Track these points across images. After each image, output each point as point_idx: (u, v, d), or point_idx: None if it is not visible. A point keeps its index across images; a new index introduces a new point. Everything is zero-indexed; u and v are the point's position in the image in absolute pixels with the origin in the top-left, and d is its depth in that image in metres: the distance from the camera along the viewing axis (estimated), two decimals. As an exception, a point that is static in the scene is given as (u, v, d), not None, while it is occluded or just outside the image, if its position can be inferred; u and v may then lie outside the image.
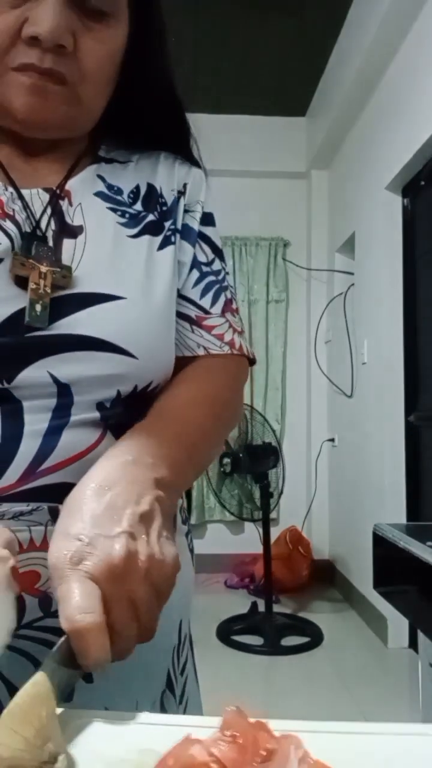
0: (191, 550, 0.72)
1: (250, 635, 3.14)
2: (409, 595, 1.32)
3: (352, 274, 3.93)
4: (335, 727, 0.45)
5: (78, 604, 0.44)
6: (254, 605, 3.48)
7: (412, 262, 3.17)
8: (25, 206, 0.63)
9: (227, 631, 3.17)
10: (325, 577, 4.20)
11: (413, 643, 2.95)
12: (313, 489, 4.32)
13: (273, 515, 3.83)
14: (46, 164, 0.68)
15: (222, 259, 0.75)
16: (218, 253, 0.74)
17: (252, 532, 3.88)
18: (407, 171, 3.01)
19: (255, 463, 3.35)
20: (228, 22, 3.42)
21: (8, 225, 0.61)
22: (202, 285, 0.71)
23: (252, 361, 0.75)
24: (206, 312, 0.70)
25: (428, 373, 2.99)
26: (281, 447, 3.52)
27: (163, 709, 0.64)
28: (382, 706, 2.48)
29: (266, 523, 3.45)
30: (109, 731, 0.45)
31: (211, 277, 0.72)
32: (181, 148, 0.76)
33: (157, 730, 0.45)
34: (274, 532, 3.84)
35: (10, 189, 0.64)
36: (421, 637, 1.45)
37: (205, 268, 0.72)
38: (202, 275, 0.71)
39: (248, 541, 3.91)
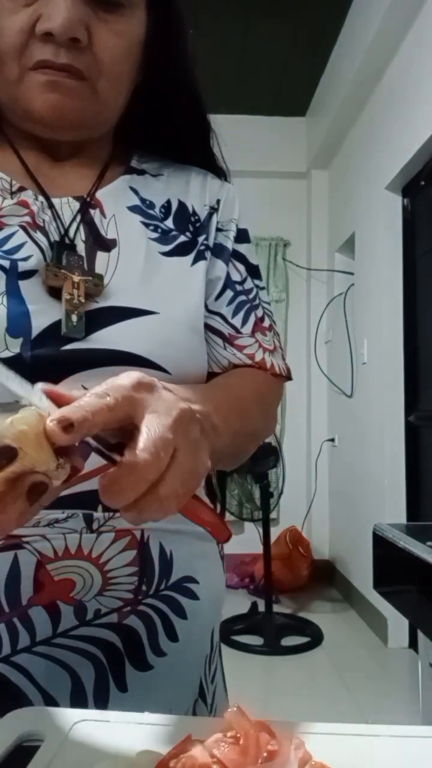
0: (222, 557, 0.71)
1: (250, 635, 3.14)
2: (409, 595, 1.32)
3: (352, 274, 3.93)
4: (336, 729, 0.45)
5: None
6: (254, 605, 3.48)
7: (412, 262, 3.17)
8: (55, 216, 0.63)
9: (227, 631, 3.16)
10: (325, 577, 4.20)
11: (413, 643, 2.95)
12: (313, 489, 4.32)
13: (273, 515, 3.84)
14: (73, 169, 0.67)
15: (255, 275, 0.75)
16: (251, 270, 0.74)
17: (252, 532, 3.87)
18: (407, 171, 3.01)
19: (255, 463, 3.34)
20: (228, 22, 3.42)
21: (39, 236, 0.61)
22: (234, 304, 0.71)
23: (287, 377, 0.75)
24: (238, 331, 0.70)
25: (428, 373, 2.99)
26: (281, 447, 3.52)
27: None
28: (382, 706, 2.48)
29: (266, 523, 3.45)
30: (110, 731, 0.45)
31: (243, 297, 0.72)
32: (204, 149, 0.75)
33: (157, 730, 0.45)
34: (274, 532, 3.84)
35: (41, 198, 0.64)
36: (421, 637, 1.45)
37: (238, 287, 0.72)
38: (236, 294, 0.71)
39: (248, 541, 3.90)
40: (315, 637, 3.16)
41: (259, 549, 3.56)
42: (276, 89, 4.12)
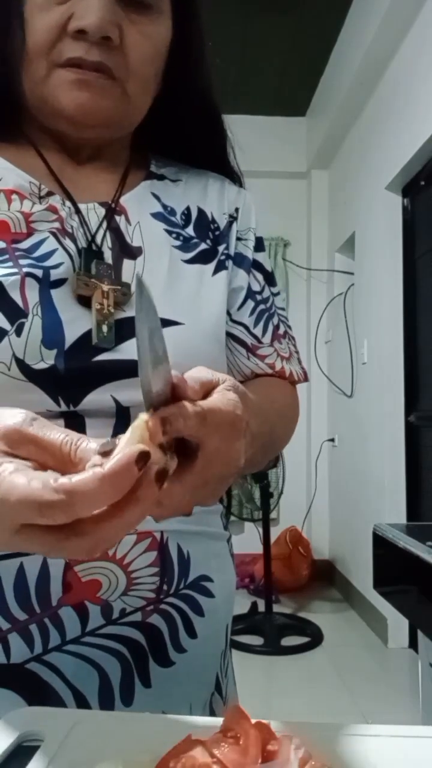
0: (232, 555, 0.72)
1: (250, 635, 3.14)
2: (409, 595, 1.32)
3: (352, 274, 3.93)
4: (336, 729, 0.45)
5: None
6: (254, 605, 3.48)
7: (412, 262, 3.17)
8: (83, 222, 0.64)
9: (227, 631, 3.17)
10: (325, 577, 4.20)
11: (413, 643, 2.95)
12: (313, 489, 4.32)
13: (273, 515, 3.83)
14: (94, 173, 0.68)
15: (271, 283, 0.76)
16: (268, 278, 0.76)
17: (252, 532, 3.87)
18: (407, 171, 3.01)
19: (255, 463, 3.34)
20: (228, 22, 3.42)
21: (68, 243, 0.62)
22: (255, 314, 0.73)
23: (303, 379, 0.78)
24: (259, 341, 0.72)
25: (428, 373, 2.99)
26: (281, 447, 3.51)
27: (212, 711, 0.65)
28: (382, 706, 2.48)
29: (266, 523, 3.45)
30: (110, 731, 0.45)
31: (262, 306, 0.74)
32: (219, 156, 0.77)
33: (157, 730, 0.45)
34: (274, 532, 3.84)
35: (68, 204, 0.64)
36: (421, 637, 1.45)
37: (258, 297, 0.73)
38: (256, 304, 0.73)
39: (248, 541, 3.90)
40: (315, 637, 3.16)
41: (259, 549, 3.56)
42: (276, 89, 4.12)
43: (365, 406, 3.54)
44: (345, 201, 4.02)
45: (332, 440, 4.26)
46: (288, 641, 3.12)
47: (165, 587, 0.60)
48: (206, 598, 0.64)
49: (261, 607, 3.40)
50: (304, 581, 3.98)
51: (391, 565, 1.39)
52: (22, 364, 0.55)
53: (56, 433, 0.39)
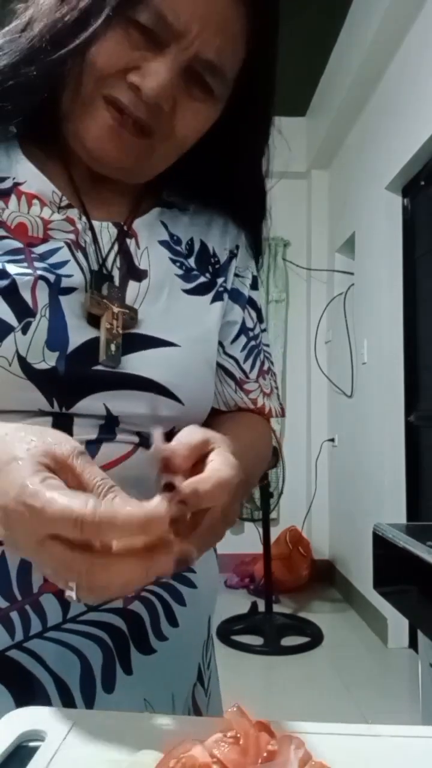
0: (215, 550, 0.74)
1: (250, 635, 3.14)
2: (409, 595, 1.32)
3: (352, 274, 3.93)
4: (336, 729, 0.45)
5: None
6: (254, 605, 3.48)
7: (412, 262, 3.17)
8: (95, 239, 0.65)
9: (227, 631, 3.17)
10: (325, 577, 4.20)
11: (413, 643, 2.95)
12: (313, 489, 4.32)
13: (273, 515, 3.84)
14: (111, 194, 0.69)
15: (261, 320, 0.80)
16: (260, 315, 0.79)
17: (252, 532, 3.87)
18: (407, 171, 3.01)
19: (255, 463, 3.34)
20: (228, 22, 3.42)
21: (80, 256, 0.63)
22: (246, 350, 0.76)
23: (280, 415, 0.81)
24: (247, 376, 0.76)
25: (428, 373, 2.99)
26: (281, 447, 3.51)
27: (194, 702, 0.67)
28: (382, 706, 2.48)
29: (266, 523, 3.46)
30: (111, 731, 0.45)
31: (253, 342, 0.77)
32: (254, 228, 0.78)
33: (157, 730, 0.45)
34: (274, 532, 3.84)
35: (84, 219, 0.66)
36: (421, 637, 1.45)
37: (250, 333, 0.76)
38: (248, 340, 0.76)
39: (248, 541, 3.91)
40: (315, 637, 3.17)
41: (259, 549, 3.56)
42: (276, 89, 4.12)
43: (365, 406, 3.54)
44: (345, 201, 4.02)
45: (332, 440, 4.26)
46: (288, 641, 3.12)
47: None
48: (188, 588, 0.65)
49: (261, 607, 3.40)
50: (304, 581, 3.98)
51: (391, 565, 1.39)
52: (23, 362, 0.57)
53: (94, 475, 0.43)
